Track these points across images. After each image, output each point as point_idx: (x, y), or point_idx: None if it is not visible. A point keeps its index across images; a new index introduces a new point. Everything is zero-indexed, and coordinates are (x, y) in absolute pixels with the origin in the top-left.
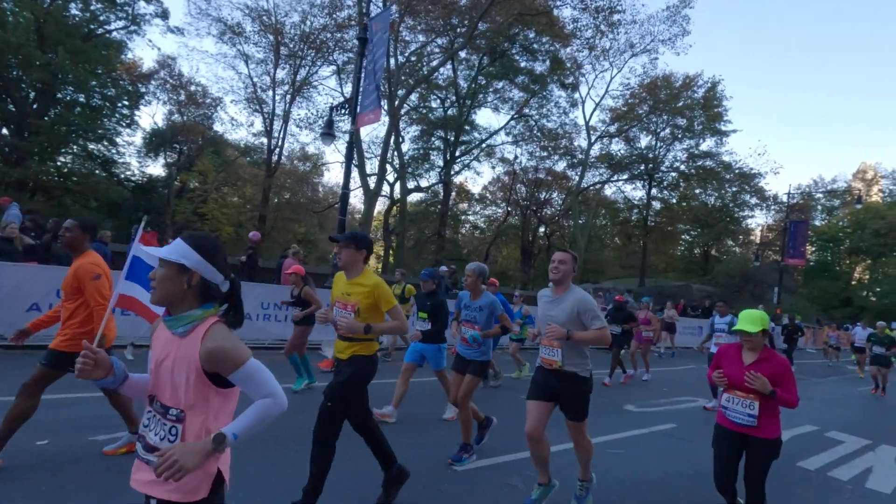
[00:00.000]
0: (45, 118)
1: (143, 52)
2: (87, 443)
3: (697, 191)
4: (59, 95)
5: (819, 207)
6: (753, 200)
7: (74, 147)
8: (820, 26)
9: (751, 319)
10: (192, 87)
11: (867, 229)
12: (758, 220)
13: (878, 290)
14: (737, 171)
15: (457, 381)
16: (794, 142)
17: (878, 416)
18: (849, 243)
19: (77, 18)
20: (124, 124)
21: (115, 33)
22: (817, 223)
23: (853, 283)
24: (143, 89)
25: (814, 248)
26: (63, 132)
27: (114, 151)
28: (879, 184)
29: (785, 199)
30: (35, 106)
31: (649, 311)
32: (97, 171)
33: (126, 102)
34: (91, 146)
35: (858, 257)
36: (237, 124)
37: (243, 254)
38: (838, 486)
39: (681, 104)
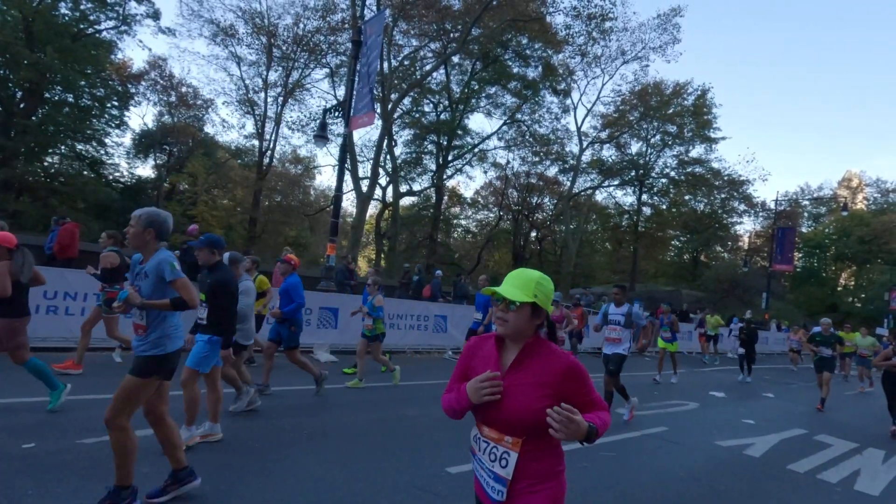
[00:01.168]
0: (33, 118)
1: (134, 52)
2: (74, 446)
3: (687, 197)
4: (47, 95)
5: (806, 214)
6: (742, 207)
7: (62, 147)
8: (808, 36)
9: (518, 282)
10: (183, 89)
11: (852, 236)
12: (746, 227)
13: (862, 296)
14: (726, 178)
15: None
16: (781, 149)
17: (865, 419)
18: (835, 250)
19: (66, 18)
20: (113, 125)
21: (105, 33)
22: (804, 230)
23: (839, 288)
24: (133, 90)
25: (801, 255)
26: (51, 132)
27: (102, 152)
28: (864, 192)
29: (772, 205)
30: (22, 105)
31: (564, 308)
32: (85, 172)
33: (115, 103)
34: (79, 147)
35: (844, 264)
36: (228, 126)
37: (178, 249)
38: (828, 489)
39: (671, 111)
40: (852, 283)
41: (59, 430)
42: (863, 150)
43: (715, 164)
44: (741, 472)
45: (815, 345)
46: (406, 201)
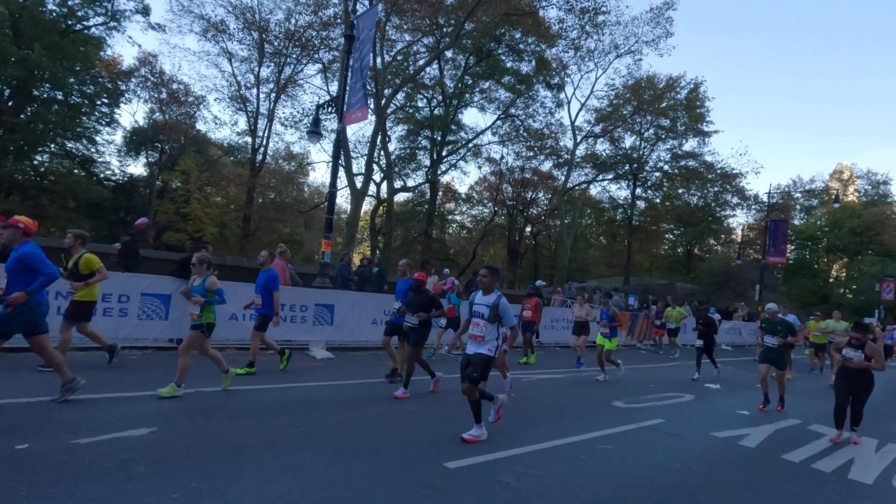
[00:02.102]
0: (21, 116)
1: (123, 49)
2: (69, 446)
3: (681, 190)
4: (35, 93)
5: (798, 207)
6: (735, 200)
7: (52, 145)
8: (799, 28)
9: None
10: (174, 85)
11: (844, 228)
12: (739, 220)
13: (853, 287)
14: (719, 171)
15: None
16: (773, 142)
17: None
18: (826, 242)
19: (54, 14)
20: (104, 122)
21: (93, 29)
22: (796, 222)
23: (831, 280)
24: (123, 87)
25: (793, 247)
26: (40, 130)
27: (93, 150)
28: (855, 184)
29: (765, 198)
30: (10, 103)
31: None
32: (76, 171)
33: (106, 100)
34: (69, 145)
35: (836, 255)
36: (220, 123)
37: (119, 241)
38: (822, 478)
39: (664, 105)
40: (844, 274)
41: (52, 431)
42: (854, 143)
43: (708, 158)
44: (737, 463)
45: (762, 334)
46: (400, 197)
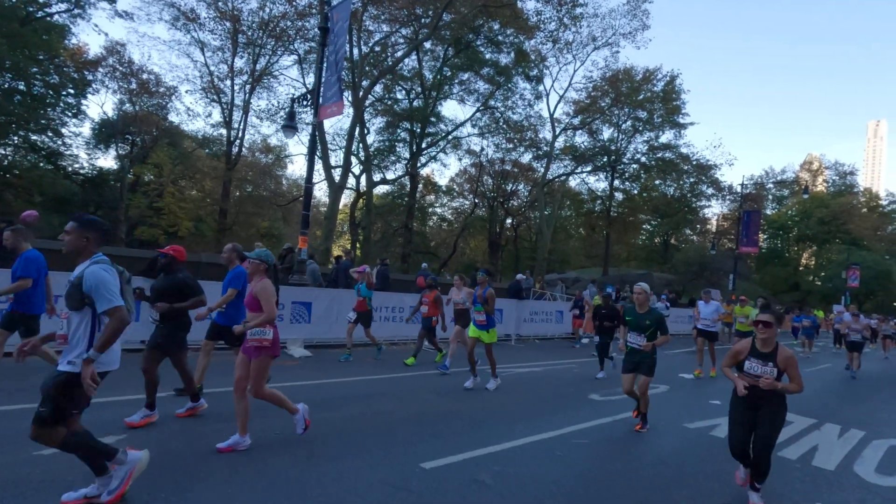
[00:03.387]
0: None
1: (90, 37)
2: (31, 458)
3: (657, 182)
4: None
5: (770, 197)
6: (710, 191)
7: (15, 138)
8: (775, 26)
9: None
10: (145, 76)
11: (813, 218)
12: (714, 210)
13: (822, 274)
14: (694, 163)
15: None
16: (746, 134)
17: (823, 395)
18: (797, 231)
19: (14, 0)
20: (70, 114)
21: (57, 17)
22: (768, 212)
23: (801, 268)
24: (90, 77)
25: (765, 236)
26: (1, 122)
27: (59, 143)
28: (824, 174)
29: (739, 189)
30: None
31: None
32: (41, 164)
33: (72, 90)
34: (34, 137)
35: (805, 244)
36: (194, 115)
37: None
38: (788, 466)
39: (641, 97)
40: (813, 262)
41: (12, 443)
42: (823, 135)
43: (684, 150)
44: (707, 454)
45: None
46: (380, 190)
